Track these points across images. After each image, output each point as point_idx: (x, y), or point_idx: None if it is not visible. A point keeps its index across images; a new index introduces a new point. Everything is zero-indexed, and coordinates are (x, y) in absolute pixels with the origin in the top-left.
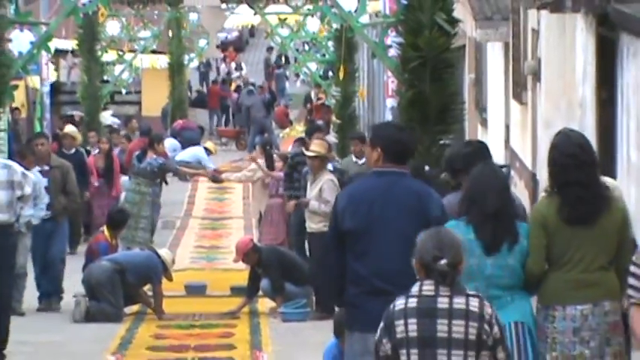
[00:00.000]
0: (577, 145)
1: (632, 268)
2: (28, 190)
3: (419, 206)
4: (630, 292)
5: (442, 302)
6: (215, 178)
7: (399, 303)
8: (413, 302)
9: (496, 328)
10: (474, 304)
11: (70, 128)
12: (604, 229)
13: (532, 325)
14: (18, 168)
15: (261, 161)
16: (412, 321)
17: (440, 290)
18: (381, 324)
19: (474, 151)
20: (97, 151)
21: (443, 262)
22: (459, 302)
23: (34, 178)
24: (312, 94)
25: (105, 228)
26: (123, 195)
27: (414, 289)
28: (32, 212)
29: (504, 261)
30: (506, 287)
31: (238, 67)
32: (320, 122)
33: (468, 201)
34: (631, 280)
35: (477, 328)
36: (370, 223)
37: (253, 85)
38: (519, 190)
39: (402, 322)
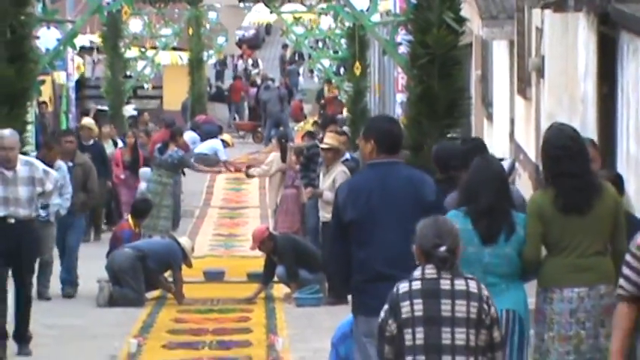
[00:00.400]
0: (569, 137)
1: (629, 258)
2: (49, 186)
3: (414, 192)
4: (622, 282)
5: (445, 284)
6: (247, 172)
7: (403, 286)
8: (417, 285)
9: (492, 309)
10: (473, 285)
11: (86, 120)
12: (598, 216)
13: (523, 313)
14: (40, 165)
15: (276, 153)
16: (418, 301)
17: (442, 274)
18: (386, 306)
19: (471, 149)
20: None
21: (442, 248)
22: (460, 284)
23: (60, 169)
24: (325, 89)
25: (129, 217)
26: (143, 185)
27: (417, 273)
28: (59, 202)
29: (502, 250)
30: (502, 275)
31: (255, 64)
32: (339, 116)
33: (465, 193)
34: (625, 270)
35: (477, 308)
36: (370, 212)
37: (272, 80)
38: (523, 181)
39: (407, 303)
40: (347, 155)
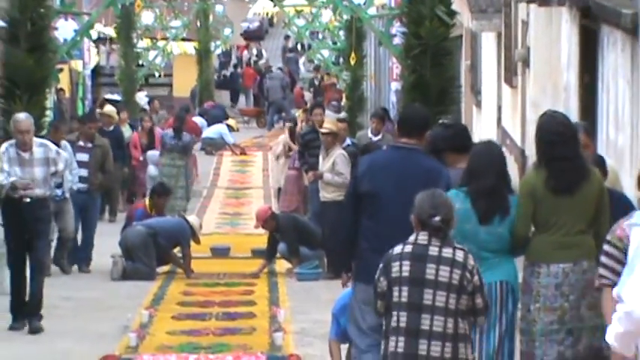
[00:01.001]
0: (561, 124)
1: (606, 247)
2: (61, 166)
3: (427, 180)
4: (602, 271)
5: (433, 250)
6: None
7: (397, 248)
8: (409, 248)
9: (476, 278)
10: (460, 255)
11: (108, 108)
12: (584, 197)
13: (514, 284)
14: (52, 146)
15: (285, 136)
16: (406, 263)
17: (432, 241)
18: (381, 265)
19: (455, 134)
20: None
21: (437, 218)
22: (447, 252)
23: (65, 148)
24: (317, 78)
25: (147, 198)
26: (152, 168)
27: (411, 238)
28: (70, 178)
29: (495, 230)
30: (495, 250)
31: (259, 54)
32: (334, 102)
33: (468, 175)
34: (603, 259)
35: (460, 275)
36: (384, 189)
37: (281, 69)
38: (509, 165)
39: (397, 263)
40: (348, 141)
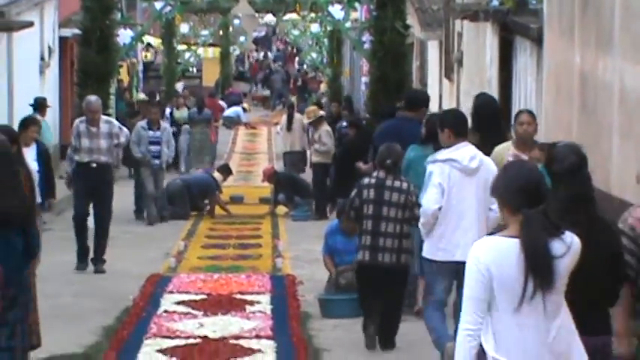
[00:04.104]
0: (493, 100)
1: (624, 240)
2: (122, 139)
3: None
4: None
5: (388, 182)
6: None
7: (366, 180)
8: (372, 180)
9: (414, 197)
10: (405, 184)
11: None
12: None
13: None
14: (115, 122)
15: (285, 117)
16: (371, 190)
17: (387, 177)
18: (354, 190)
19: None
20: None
21: (389, 161)
22: (397, 183)
23: (166, 130)
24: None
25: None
26: (184, 137)
27: (374, 174)
28: (167, 152)
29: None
30: None
31: (265, 55)
32: (318, 92)
33: (427, 133)
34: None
35: (405, 197)
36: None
37: (282, 66)
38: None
39: (366, 190)
40: (343, 123)
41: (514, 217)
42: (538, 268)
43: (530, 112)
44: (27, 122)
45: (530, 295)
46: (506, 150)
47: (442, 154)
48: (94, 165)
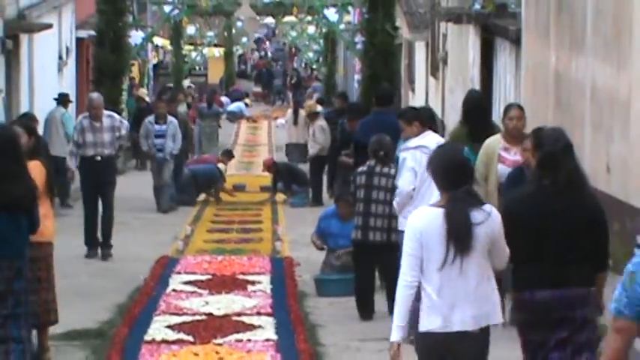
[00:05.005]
0: (480, 96)
1: None
2: (123, 132)
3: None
4: None
5: (377, 170)
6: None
7: (360, 169)
8: (365, 168)
9: (394, 181)
10: (393, 171)
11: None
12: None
13: None
14: (117, 117)
15: (290, 111)
16: (363, 177)
17: (377, 165)
18: (352, 177)
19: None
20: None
21: (381, 152)
22: (386, 169)
23: (172, 123)
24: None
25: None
26: (197, 128)
27: (367, 163)
28: (172, 145)
29: None
30: None
31: (265, 55)
32: (313, 85)
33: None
34: None
35: (392, 182)
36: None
37: (281, 65)
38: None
39: (359, 177)
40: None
41: (443, 193)
42: (458, 233)
43: (519, 107)
44: (26, 118)
45: (452, 258)
46: (497, 143)
47: (412, 142)
48: (99, 158)
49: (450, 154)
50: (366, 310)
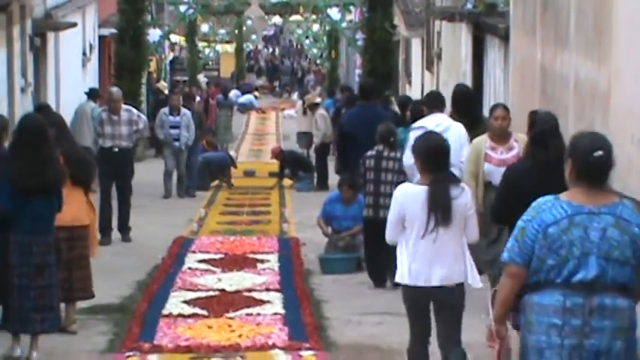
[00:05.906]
0: (467, 89)
1: None
2: (141, 125)
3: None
4: None
5: (385, 153)
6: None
7: (369, 153)
8: (374, 152)
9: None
10: (399, 155)
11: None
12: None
13: None
14: (135, 111)
15: (300, 103)
16: (372, 160)
17: (385, 149)
18: (361, 160)
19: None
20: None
21: (392, 139)
22: (392, 154)
23: (186, 115)
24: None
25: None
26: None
27: (375, 147)
28: (187, 135)
29: None
30: None
31: (274, 51)
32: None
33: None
34: None
35: (399, 164)
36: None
37: (289, 59)
38: None
39: (368, 160)
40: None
41: (425, 174)
42: (440, 206)
43: (505, 107)
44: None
45: (431, 229)
46: (484, 142)
47: (417, 123)
48: (116, 150)
49: (432, 141)
50: (379, 280)
